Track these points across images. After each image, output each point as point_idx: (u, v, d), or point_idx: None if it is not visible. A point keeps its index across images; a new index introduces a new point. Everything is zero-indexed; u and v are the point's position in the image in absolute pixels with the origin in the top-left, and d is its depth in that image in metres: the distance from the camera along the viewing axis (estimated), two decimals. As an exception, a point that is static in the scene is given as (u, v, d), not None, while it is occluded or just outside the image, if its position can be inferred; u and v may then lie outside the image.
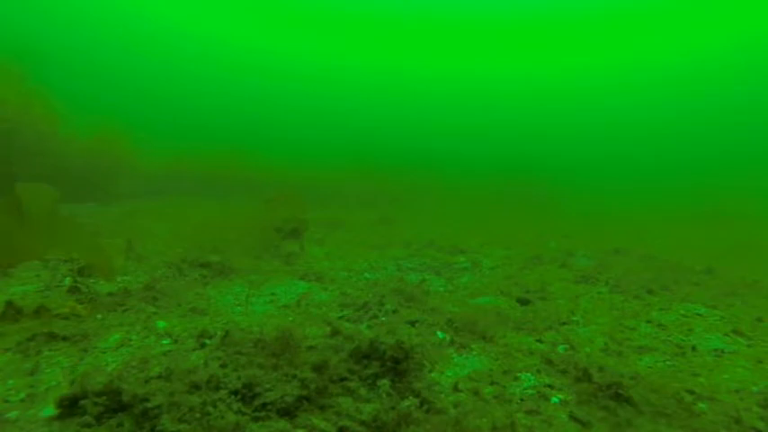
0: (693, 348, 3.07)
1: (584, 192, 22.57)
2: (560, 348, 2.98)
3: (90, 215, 9.02)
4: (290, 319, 3.41)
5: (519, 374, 2.56)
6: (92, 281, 4.00)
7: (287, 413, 1.89)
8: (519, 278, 5.10)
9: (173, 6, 60.92)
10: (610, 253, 6.96)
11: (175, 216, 9.60)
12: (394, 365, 2.24)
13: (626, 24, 62.89)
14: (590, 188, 24.14)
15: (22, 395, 2.10)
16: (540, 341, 3.12)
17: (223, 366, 2.15)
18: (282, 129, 45.20)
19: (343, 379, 2.18)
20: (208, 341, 2.77)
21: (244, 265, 5.10)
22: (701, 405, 2.25)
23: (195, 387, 1.94)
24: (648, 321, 3.65)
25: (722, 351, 3.04)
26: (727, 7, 56.35)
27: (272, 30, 68.18)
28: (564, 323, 3.53)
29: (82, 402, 1.85)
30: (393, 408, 1.92)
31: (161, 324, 3.12)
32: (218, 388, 1.94)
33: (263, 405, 1.89)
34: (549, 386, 2.42)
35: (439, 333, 3.13)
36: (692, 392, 2.37)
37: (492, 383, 2.43)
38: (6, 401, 2.05)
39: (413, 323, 3.27)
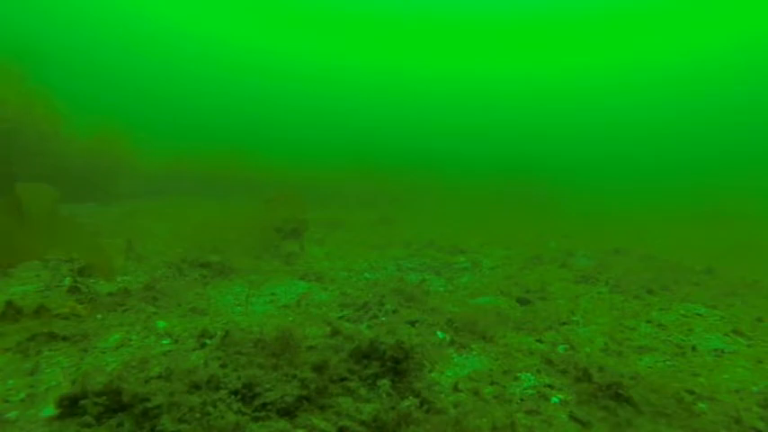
0: (693, 348, 3.07)
1: (585, 192, 22.57)
2: (560, 348, 2.98)
3: (90, 215, 9.02)
4: (290, 319, 3.41)
5: (519, 374, 2.56)
6: (92, 281, 4.00)
7: (287, 413, 1.90)
8: (519, 278, 5.10)
9: (173, 6, 60.96)
10: (610, 253, 6.96)
11: (175, 216, 9.60)
12: (394, 365, 2.24)
13: (626, 24, 62.92)
14: (590, 188, 24.14)
15: (22, 395, 2.10)
16: (540, 341, 3.12)
17: (223, 366, 2.15)
18: (282, 129, 45.22)
19: (343, 379, 2.18)
20: (208, 341, 2.77)
21: (244, 265, 5.10)
22: (701, 405, 2.25)
23: (195, 387, 1.94)
24: (648, 321, 3.65)
25: (722, 351, 3.04)
26: (727, 7, 56.37)
27: (272, 30, 68.22)
28: (564, 323, 3.53)
29: (82, 402, 1.85)
30: (393, 408, 1.92)
31: (161, 324, 3.12)
32: (218, 388, 1.95)
33: (263, 405, 1.89)
34: (549, 386, 2.42)
35: (439, 333, 3.13)
36: (691, 392, 2.37)
37: (492, 383, 2.43)
38: (6, 401, 2.04)
39: (413, 323, 3.27)
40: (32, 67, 11.79)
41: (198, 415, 1.76)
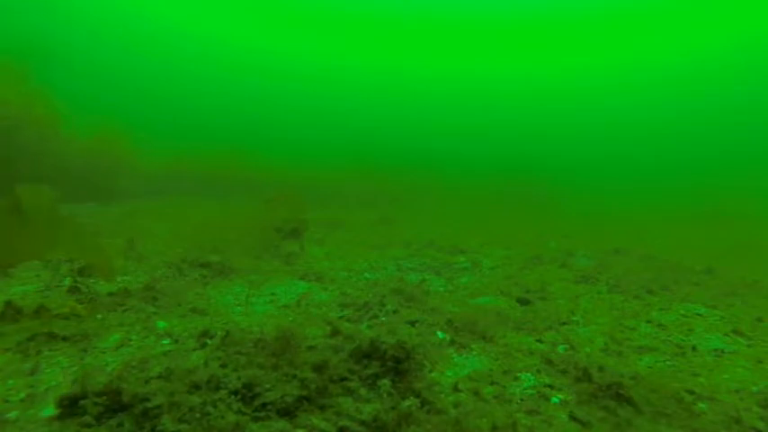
0: (693, 348, 3.07)
1: (585, 192, 22.57)
2: (560, 348, 2.98)
3: (90, 215, 9.02)
4: (290, 319, 3.41)
5: (519, 374, 2.56)
6: (92, 281, 4.00)
7: (287, 413, 1.90)
8: (519, 278, 5.10)
9: (173, 6, 60.96)
10: (610, 253, 6.96)
11: (175, 216, 9.61)
12: (395, 365, 2.24)
13: (626, 24, 62.91)
14: (590, 188, 24.14)
15: (22, 395, 2.10)
16: (540, 341, 3.12)
17: (223, 366, 2.15)
18: (282, 129, 45.20)
19: (343, 379, 2.18)
20: (209, 341, 2.77)
21: (244, 265, 5.10)
22: (701, 405, 2.25)
23: (195, 387, 1.94)
24: (648, 321, 3.65)
25: (722, 351, 3.04)
26: (727, 7, 56.37)
27: (272, 30, 68.19)
28: (564, 323, 3.53)
29: (82, 402, 1.85)
30: (393, 408, 1.92)
31: (161, 324, 3.12)
32: (218, 388, 1.95)
33: (263, 405, 1.89)
34: (549, 386, 2.42)
35: (439, 333, 3.13)
36: (691, 392, 2.37)
37: (492, 383, 2.43)
38: (6, 401, 2.04)
39: (413, 323, 3.27)
40: (33, 67, 11.80)
41: (198, 415, 1.76)
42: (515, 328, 3.37)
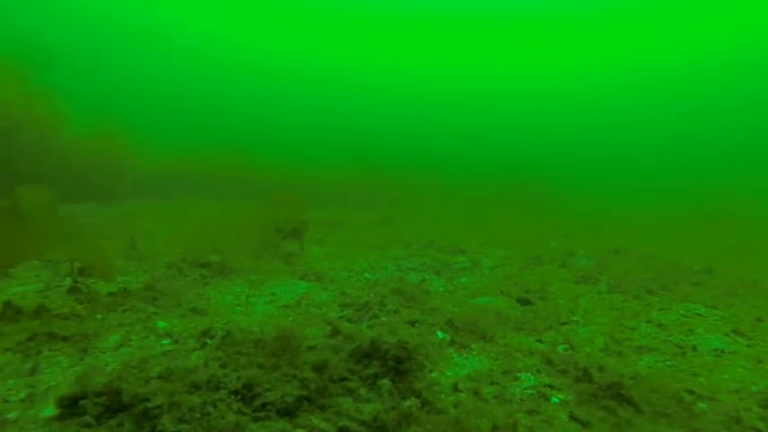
0: (693, 348, 3.07)
1: (585, 192, 22.58)
2: (560, 348, 2.98)
3: (90, 215, 9.02)
4: (291, 319, 3.41)
5: (519, 374, 2.56)
6: (92, 281, 4.00)
7: (287, 413, 1.89)
8: (519, 278, 5.10)
9: (173, 6, 60.96)
10: (610, 253, 6.96)
11: (175, 216, 9.61)
12: (395, 365, 2.24)
13: (626, 24, 62.91)
14: (590, 188, 24.15)
15: (22, 395, 2.10)
16: (540, 341, 3.12)
17: (223, 366, 2.15)
18: (282, 129, 45.21)
19: (343, 379, 2.18)
20: (209, 341, 2.77)
21: (244, 265, 5.10)
22: (701, 405, 2.25)
23: (195, 387, 1.94)
24: (648, 321, 3.65)
25: (722, 351, 3.04)
26: (727, 7, 56.37)
27: (272, 30, 68.21)
28: (564, 323, 3.53)
29: (82, 402, 1.85)
30: (393, 408, 1.92)
31: (161, 324, 3.12)
32: (218, 388, 1.95)
33: (263, 405, 1.89)
34: (550, 386, 2.42)
35: (439, 333, 3.13)
36: (692, 392, 2.37)
37: (492, 383, 2.43)
38: (6, 401, 2.04)
39: (413, 323, 3.27)
40: (33, 67, 11.80)
41: (198, 415, 1.76)
42: (515, 328, 3.37)
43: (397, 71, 65.94)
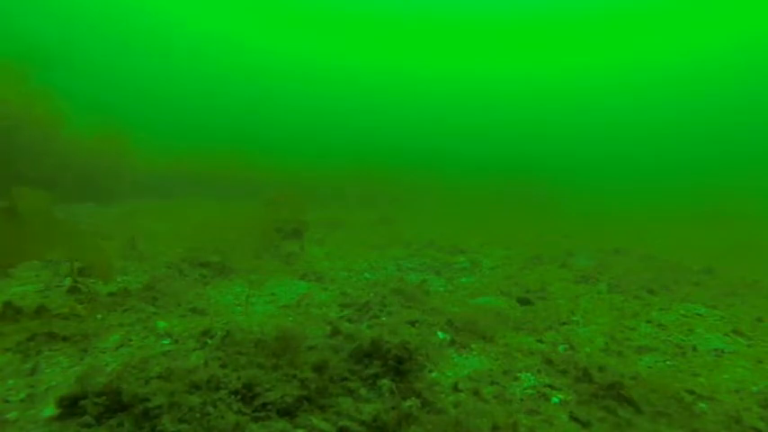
0: (693, 348, 3.07)
1: (585, 192, 22.58)
2: (560, 348, 2.98)
3: (90, 215, 9.02)
4: (291, 319, 3.41)
5: (519, 374, 2.56)
6: (92, 281, 4.00)
7: (287, 413, 1.89)
8: (519, 278, 5.10)
9: (173, 6, 60.95)
10: (610, 253, 6.96)
11: (175, 216, 9.61)
12: (396, 365, 2.24)
13: (626, 24, 62.90)
14: (590, 188, 24.16)
15: (22, 395, 2.10)
16: (540, 341, 3.12)
17: (223, 366, 2.15)
18: (283, 129, 45.20)
19: (343, 379, 2.18)
20: (209, 341, 2.77)
21: (244, 265, 5.10)
22: (701, 405, 2.25)
23: (195, 387, 1.94)
24: (648, 321, 3.65)
25: (722, 351, 3.04)
26: (727, 7, 56.36)
27: (272, 30, 68.20)
28: (564, 323, 3.53)
29: (82, 402, 1.85)
30: (393, 408, 1.92)
31: (161, 324, 3.12)
32: (218, 388, 1.94)
33: (263, 405, 1.89)
34: (550, 386, 2.42)
35: (439, 333, 3.13)
36: (692, 392, 2.37)
37: (492, 383, 2.43)
38: (6, 401, 2.04)
39: (413, 323, 3.26)
40: (34, 67, 11.80)
41: (198, 415, 1.76)
42: (515, 328, 3.37)
43: (397, 71, 65.97)
